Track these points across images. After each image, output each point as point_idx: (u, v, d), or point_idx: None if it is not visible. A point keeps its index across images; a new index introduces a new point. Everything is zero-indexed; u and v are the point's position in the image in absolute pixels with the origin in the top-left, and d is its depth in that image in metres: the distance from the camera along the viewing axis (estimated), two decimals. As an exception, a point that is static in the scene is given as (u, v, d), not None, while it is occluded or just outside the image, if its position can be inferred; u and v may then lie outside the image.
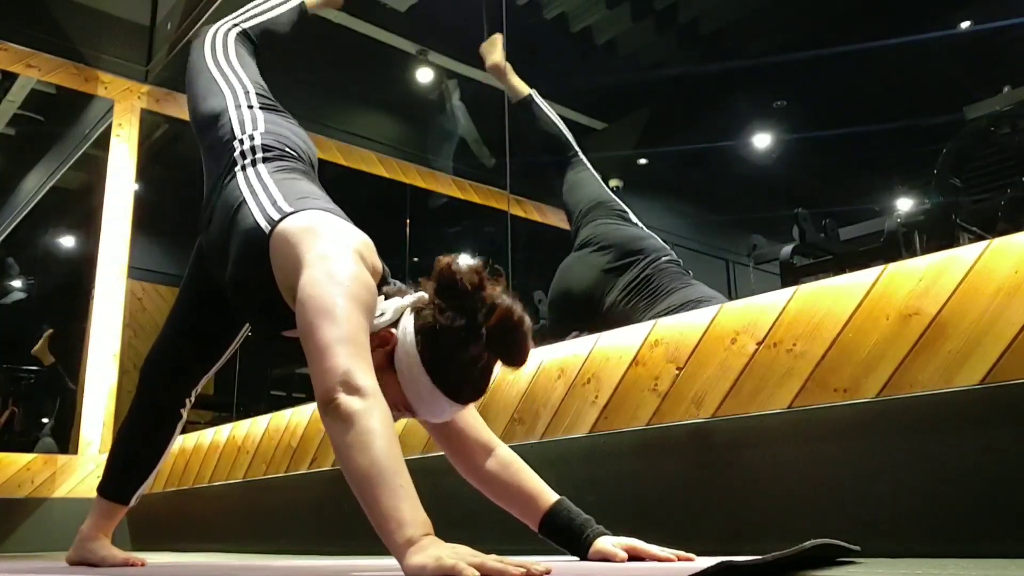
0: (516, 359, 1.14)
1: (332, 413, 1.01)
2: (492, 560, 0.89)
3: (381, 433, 0.99)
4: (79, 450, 3.58)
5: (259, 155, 1.44)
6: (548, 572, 0.93)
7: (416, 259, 5.02)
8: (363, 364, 1.05)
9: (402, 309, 1.18)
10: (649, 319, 1.68)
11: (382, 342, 1.16)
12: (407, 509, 0.95)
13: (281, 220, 1.26)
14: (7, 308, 6.49)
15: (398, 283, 1.28)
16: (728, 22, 4.89)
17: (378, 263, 1.25)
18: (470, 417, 1.32)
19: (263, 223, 1.28)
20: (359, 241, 1.22)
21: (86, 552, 1.70)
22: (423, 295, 1.18)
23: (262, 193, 1.34)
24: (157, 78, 4.16)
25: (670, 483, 1.48)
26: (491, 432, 1.33)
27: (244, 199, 1.35)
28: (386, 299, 1.21)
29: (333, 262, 1.14)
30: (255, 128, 1.51)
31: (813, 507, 1.27)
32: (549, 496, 1.27)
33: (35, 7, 3.89)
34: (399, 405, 1.16)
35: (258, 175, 1.39)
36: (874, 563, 1.04)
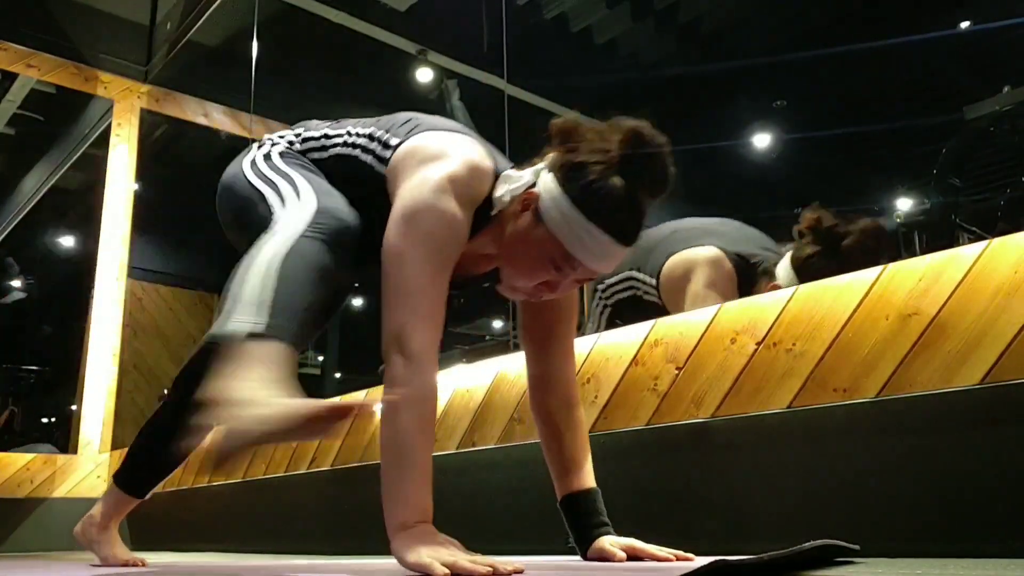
0: (659, 180, 1.14)
1: (384, 372, 1.06)
2: (464, 559, 0.93)
3: (409, 406, 1.02)
4: (79, 450, 3.58)
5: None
6: (519, 572, 0.94)
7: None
8: (421, 320, 1.06)
9: (537, 170, 1.18)
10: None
11: (524, 204, 1.16)
12: (411, 491, 1.00)
13: (390, 157, 1.24)
14: (7, 308, 6.49)
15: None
16: (728, 22, 4.89)
17: (482, 174, 1.19)
18: (570, 371, 1.33)
19: (378, 168, 1.25)
20: (451, 168, 1.15)
21: (93, 538, 1.70)
22: (552, 155, 1.18)
23: (370, 142, 1.31)
24: (157, 78, 4.16)
25: (670, 483, 1.48)
26: (579, 393, 1.34)
27: (357, 156, 1.31)
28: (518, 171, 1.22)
29: (412, 202, 1.12)
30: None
31: (813, 507, 1.27)
32: (588, 479, 1.28)
33: (35, 7, 3.89)
34: (557, 261, 1.14)
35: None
36: (874, 563, 1.04)
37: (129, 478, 1.67)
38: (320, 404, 0.89)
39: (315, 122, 1.44)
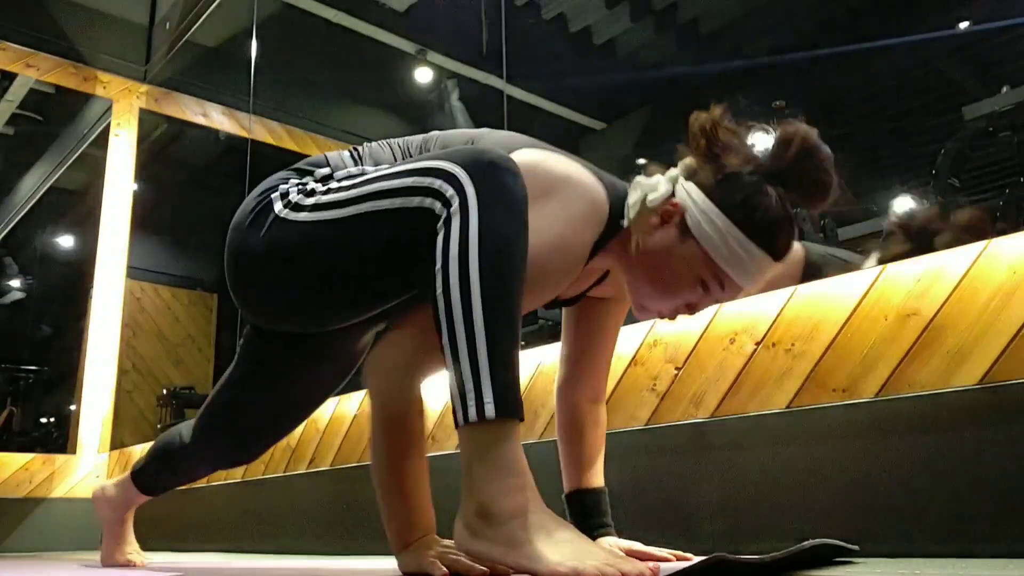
0: (820, 192, 1.04)
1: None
2: (465, 560, 0.95)
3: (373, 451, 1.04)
4: (78, 450, 3.57)
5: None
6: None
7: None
8: None
9: (673, 178, 1.07)
10: None
11: (666, 215, 1.05)
12: (391, 527, 1.04)
13: None
14: (6, 308, 6.49)
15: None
16: (728, 22, 4.89)
17: (600, 202, 1.05)
18: (606, 369, 1.30)
19: None
20: (573, 210, 1.03)
21: (107, 521, 1.72)
22: (687, 161, 1.08)
23: None
24: (156, 78, 4.16)
25: (669, 483, 1.48)
26: (606, 388, 1.32)
27: None
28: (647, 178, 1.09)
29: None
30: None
31: (812, 507, 1.27)
32: (598, 478, 1.28)
33: (34, 7, 3.89)
34: (707, 280, 1.05)
35: None
36: (873, 563, 1.04)
37: (145, 483, 1.65)
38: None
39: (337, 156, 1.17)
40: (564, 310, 1.31)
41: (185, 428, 1.50)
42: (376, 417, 1.03)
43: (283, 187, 1.08)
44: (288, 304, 1.08)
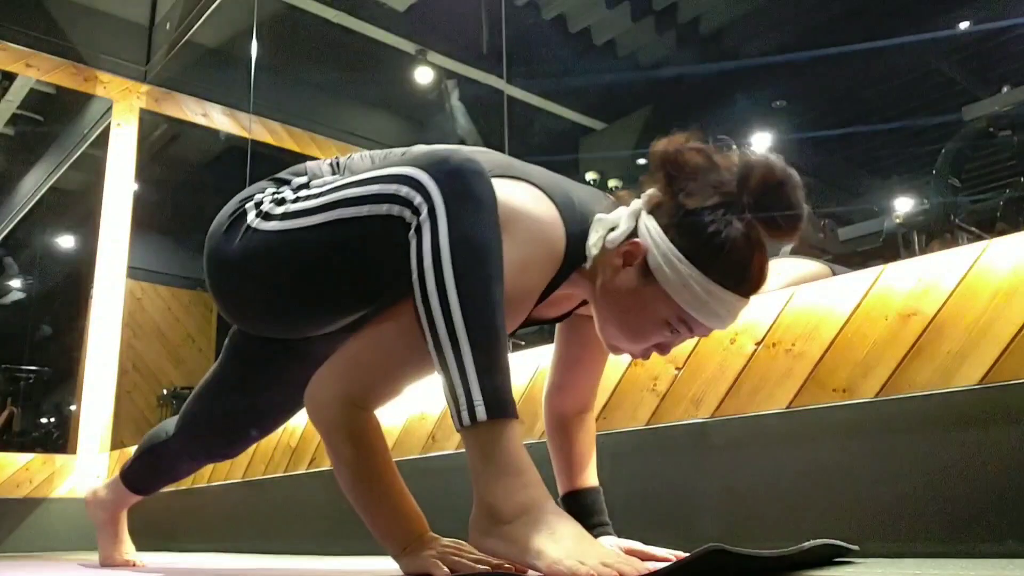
0: (788, 222, 0.97)
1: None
2: (468, 558, 0.93)
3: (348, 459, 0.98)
4: (78, 450, 3.58)
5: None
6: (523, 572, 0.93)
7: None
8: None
9: (636, 212, 1.01)
10: None
11: (628, 256, 1.00)
12: (386, 538, 0.99)
13: None
14: (6, 308, 6.49)
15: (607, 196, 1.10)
16: (728, 22, 4.89)
17: (553, 240, 1.00)
18: (595, 382, 1.29)
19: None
20: (522, 254, 0.98)
21: (101, 523, 1.72)
22: (651, 192, 1.02)
23: None
24: (156, 78, 4.17)
25: (669, 483, 1.48)
26: (596, 399, 1.30)
27: None
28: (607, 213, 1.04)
29: None
30: None
31: (812, 507, 1.27)
32: (592, 478, 1.27)
33: (35, 7, 3.89)
34: (673, 323, 1.01)
35: None
36: (873, 563, 1.04)
37: (135, 482, 1.66)
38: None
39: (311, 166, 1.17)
40: (556, 329, 1.31)
41: (170, 424, 1.52)
42: (334, 449, 0.99)
43: (258, 196, 1.08)
44: (265, 311, 1.10)
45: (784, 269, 1.91)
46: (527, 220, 0.98)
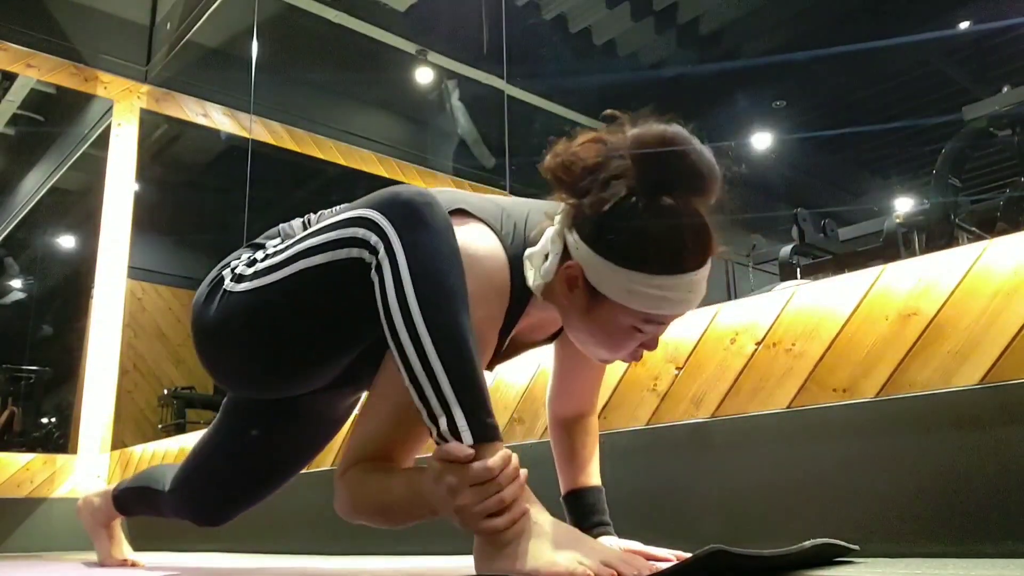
0: (693, 178, 0.93)
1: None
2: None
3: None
4: (78, 450, 3.58)
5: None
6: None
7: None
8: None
9: (560, 235, 0.98)
10: None
11: (570, 281, 0.98)
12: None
13: None
14: (7, 308, 6.49)
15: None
16: (728, 22, 4.89)
17: (497, 277, 1.00)
18: (597, 384, 1.30)
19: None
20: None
21: (94, 528, 1.73)
22: (563, 207, 0.98)
23: None
24: (157, 78, 4.17)
25: (669, 483, 1.48)
26: (597, 401, 1.31)
27: None
28: (532, 245, 1.01)
29: None
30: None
31: (812, 507, 1.27)
32: (594, 477, 1.28)
33: (35, 7, 3.90)
34: (640, 326, 0.97)
35: None
36: (873, 563, 1.04)
37: (125, 509, 1.67)
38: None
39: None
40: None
41: (168, 472, 1.49)
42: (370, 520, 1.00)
43: (234, 263, 1.10)
44: (251, 373, 1.11)
45: None
46: (468, 258, 0.96)
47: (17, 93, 4.82)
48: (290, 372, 1.09)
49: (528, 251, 1.01)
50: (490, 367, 1.08)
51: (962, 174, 2.84)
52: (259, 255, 1.08)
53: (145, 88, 4.13)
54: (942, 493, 1.13)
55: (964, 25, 4.32)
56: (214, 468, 1.35)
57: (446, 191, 1.09)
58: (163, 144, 5.27)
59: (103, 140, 4.09)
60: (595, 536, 1.22)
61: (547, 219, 1.02)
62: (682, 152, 0.93)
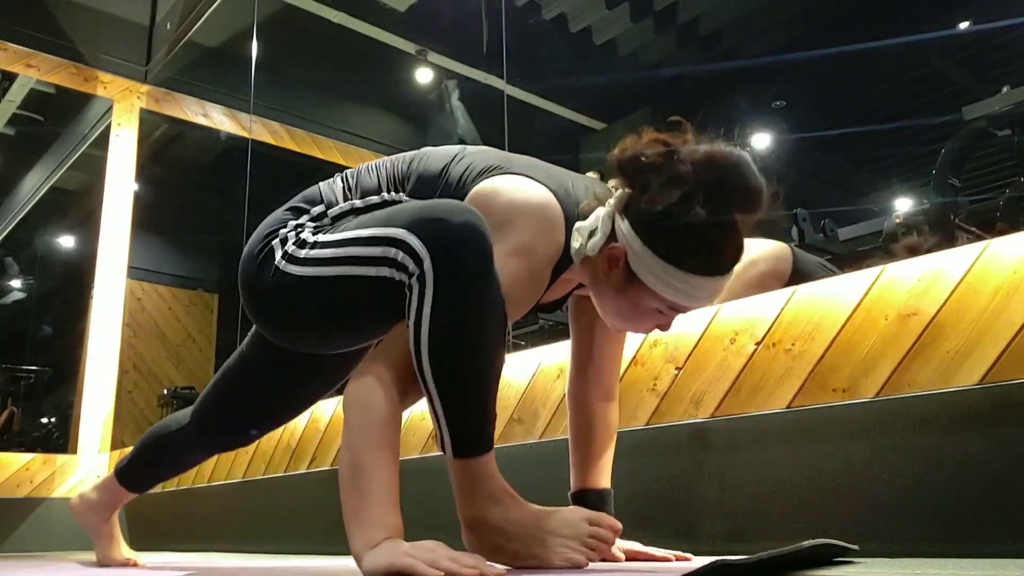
0: (748, 199, 1.05)
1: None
2: (446, 560, 0.87)
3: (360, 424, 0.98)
4: (78, 450, 3.58)
5: None
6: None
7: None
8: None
9: (610, 217, 1.09)
10: None
11: (611, 261, 1.09)
12: (373, 512, 0.93)
13: None
14: (7, 308, 6.49)
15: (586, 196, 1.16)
16: (728, 22, 4.89)
17: (556, 226, 1.10)
18: (617, 365, 1.33)
19: None
20: (523, 239, 1.08)
21: (92, 526, 1.71)
22: (620, 194, 1.09)
23: None
24: (156, 78, 4.17)
25: (669, 483, 1.48)
26: (618, 386, 1.33)
27: None
28: (583, 219, 1.11)
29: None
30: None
31: (812, 507, 1.27)
32: (604, 479, 1.28)
33: (35, 7, 3.90)
34: (662, 309, 1.09)
35: None
36: (873, 563, 1.04)
37: (133, 478, 1.66)
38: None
39: (327, 187, 1.22)
40: (568, 310, 1.34)
41: (177, 416, 1.56)
42: (369, 392, 1.00)
43: (283, 232, 1.16)
44: (297, 337, 1.21)
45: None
46: (529, 211, 1.07)
47: (17, 93, 4.82)
48: (333, 344, 1.23)
49: (578, 224, 1.11)
50: (533, 312, 1.18)
51: (962, 174, 2.84)
52: (307, 234, 1.13)
53: (145, 88, 4.13)
54: (942, 493, 1.13)
55: (964, 25, 4.32)
56: (240, 388, 1.43)
57: (496, 153, 1.18)
58: (163, 144, 5.27)
59: (103, 140, 4.09)
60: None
61: (595, 200, 1.12)
62: (745, 177, 1.04)
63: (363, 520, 0.93)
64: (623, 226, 1.08)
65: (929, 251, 1.30)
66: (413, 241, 1.00)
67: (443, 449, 1.00)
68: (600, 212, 1.10)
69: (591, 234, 1.09)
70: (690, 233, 1.04)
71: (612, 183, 1.14)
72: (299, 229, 1.15)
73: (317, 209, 1.18)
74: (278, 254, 1.13)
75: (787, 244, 2.01)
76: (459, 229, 0.98)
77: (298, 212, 1.19)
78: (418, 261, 0.98)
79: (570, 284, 1.21)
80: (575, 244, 1.10)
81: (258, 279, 1.14)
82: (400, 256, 1.00)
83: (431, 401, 0.98)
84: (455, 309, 0.97)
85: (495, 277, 0.99)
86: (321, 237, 1.12)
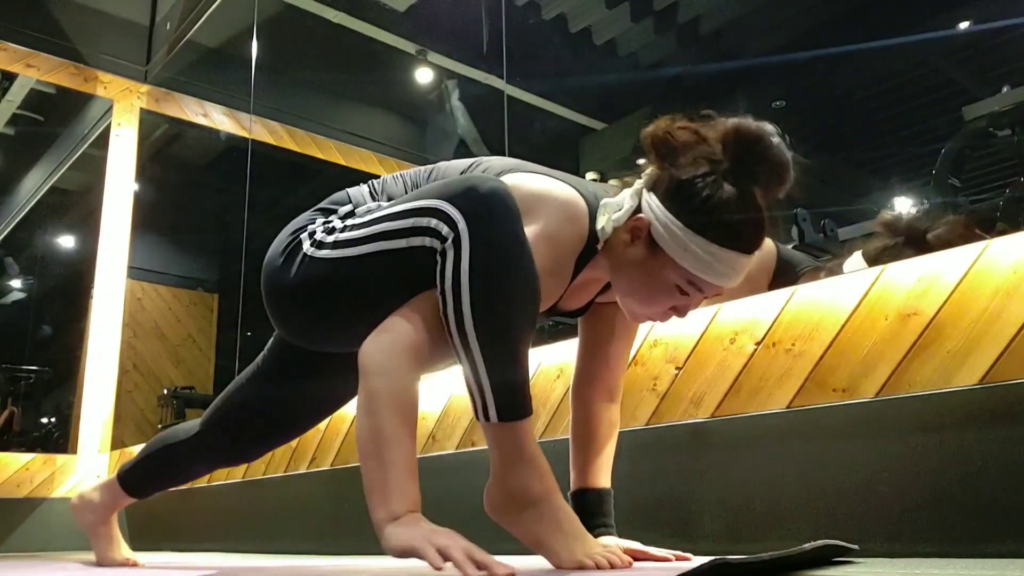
0: (776, 175, 1.07)
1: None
2: (459, 549, 0.87)
3: (385, 396, 0.97)
4: (78, 450, 3.58)
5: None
6: (512, 574, 0.89)
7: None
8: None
9: (638, 191, 1.12)
10: None
11: (635, 232, 1.10)
12: (396, 482, 0.94)
13: None
14: (7, 308, 6.49)
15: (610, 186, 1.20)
16: (728, 22, 4.89)
17: (579, 216, 1.13)
18: (623, 367, 1.33)
19: None
20: (547, 226, 1.11)
21: (91, 526, 1.71)
22: (649, 171, 1.12)
23: None
24: (156, 78, 4.17)
25: (669, 483, 1.48)
26: (621, 387, 1.34)
27: None
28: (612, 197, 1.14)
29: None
30: None
31: (812, 507, 1.27)
32: (604, 479, 1.28)
33: (35, 7, 3.90)
34: (683, 286, 1.09)
35: None
36: (873, 563, 1.04)
37: (135, 484, 1.66)
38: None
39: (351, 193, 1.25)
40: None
41: (185, 426, 1.54)
42: (395, 362, 1.00)
43: (311, 227, 1.17)
44: (325, 331, 1.19)
45: None
46: (553, 201, 1.11)
47: (17, 93, 4.82)
48: (355, 333, 1.16)
49: (604, 200, 1.13)
50: (548, 313, 1.21)
51: (962, 174, 2.84)
52: (336, 223, 1.15)
53: (145, 88, 4.13)
54: (942, 493, 1.13)
55: (964, 25, 4.32)
56: (253, 401, 1.42)
57: (512, 160, 1.21)
58: (163, 144, 5.27)
59: (103, 140, 4.09)
60: (596, 536, 1.22)
61: (622, 183, 1.15)
62: (772, 149, 1.06)
63: (387, 491, 0.94)
64: (650, 200, 1.10)
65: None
66: (446, 207, 1.01)
67: (484, 416, 0.99)
68: (627, 191, 1.13)
69: (617, 209, 1.11)
70: (715, 202, 1.05)
71: (614, 182, 1.17)
72: (327, 223, 1.17)
73: (345, 208, 1.20)
74: (306, 245, 1.14)
75: (768, 239, 2.02)
76: (490, 195, 1.00)
77: (326, 212, 1.21)
78: (452, 225, 1.00)
79: (594, 289, 1.22)
80: (600, 220, 1.12)
81: (284, 273, 1.15)
82: (434, 223, 1.01)
83: (473, 365, 0.97)
84: (494, 270, 0.97)
85: (528, 244, 1.00)
86: (351, 221, 1.14)
